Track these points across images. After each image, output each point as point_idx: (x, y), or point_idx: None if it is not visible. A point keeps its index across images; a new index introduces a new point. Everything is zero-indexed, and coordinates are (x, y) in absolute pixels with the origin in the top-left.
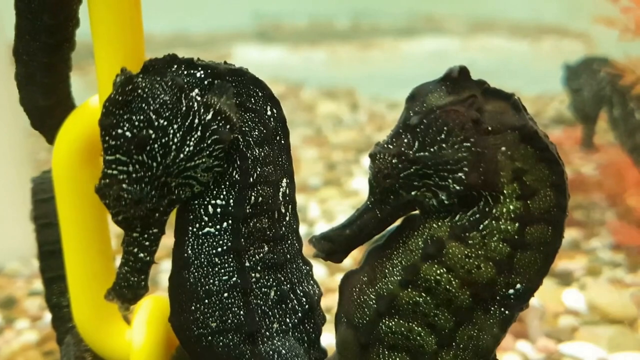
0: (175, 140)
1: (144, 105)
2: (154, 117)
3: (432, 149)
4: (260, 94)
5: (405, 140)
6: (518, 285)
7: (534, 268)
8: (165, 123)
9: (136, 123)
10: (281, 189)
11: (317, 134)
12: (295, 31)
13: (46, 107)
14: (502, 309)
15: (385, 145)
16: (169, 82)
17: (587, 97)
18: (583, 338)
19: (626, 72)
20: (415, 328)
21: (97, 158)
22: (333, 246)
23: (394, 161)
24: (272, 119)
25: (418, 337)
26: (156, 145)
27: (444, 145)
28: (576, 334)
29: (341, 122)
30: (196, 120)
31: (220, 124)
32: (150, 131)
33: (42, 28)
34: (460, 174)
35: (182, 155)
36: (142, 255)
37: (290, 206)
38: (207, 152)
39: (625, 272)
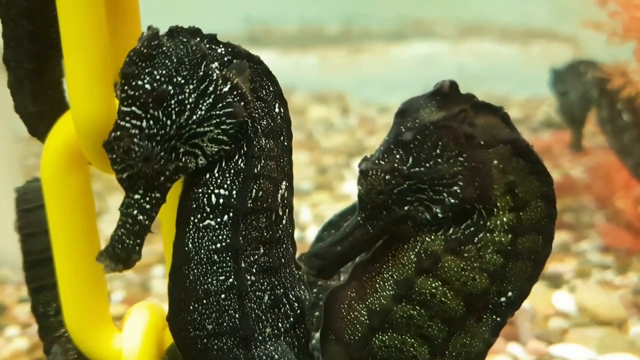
0: (191, 100)
1: (167, 61)
2: (174, 73)
3: (427, 164)
4: (271, 88)
5: (398, 156)
6: (510, 293)
7: (525, 276)
8: (183, 81)
9: (157, 77)
10: (280, 191)
11: (308, 138)
12: (286, 36)
13: (36, 113)
14: (494, 316)
15: (377, 162)
16: (193, 47)
17: (573, 100)
18: (573, 340)
19: (614, 75)
20: (409, 340)
21: (86, 164)
22: (324, 263)
23: (387, 177)
24: (278, 117)
25: (411, 349)
26: (173, 102)
27: (439, 160)
28: (566, 335)
29: (332, 126)
30: (211, 87)
31: (236, 99)
32: (170, 87)
33: (24, 34)
34: (455, 188)
35: (194, 117)
36: (141, 217)
37: (287, 210)
38: (216, 121)
39: (615, 274)
